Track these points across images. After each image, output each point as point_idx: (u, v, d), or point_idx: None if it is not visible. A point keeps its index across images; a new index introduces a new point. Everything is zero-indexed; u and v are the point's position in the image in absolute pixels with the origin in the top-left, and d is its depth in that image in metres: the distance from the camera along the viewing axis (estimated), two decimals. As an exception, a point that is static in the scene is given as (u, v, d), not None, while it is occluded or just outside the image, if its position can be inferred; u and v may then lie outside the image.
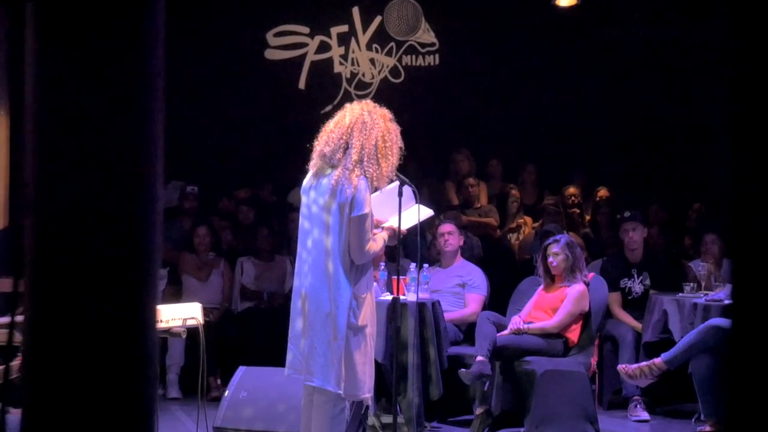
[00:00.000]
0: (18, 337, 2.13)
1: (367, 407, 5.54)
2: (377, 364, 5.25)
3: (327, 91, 10.51)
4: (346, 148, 4.65)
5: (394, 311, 5.22)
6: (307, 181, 4.80)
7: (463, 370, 6.22)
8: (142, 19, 2.09)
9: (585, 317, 6.52)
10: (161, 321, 4.84)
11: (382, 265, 6.63)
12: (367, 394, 4.73)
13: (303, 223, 4.78)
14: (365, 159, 4.62)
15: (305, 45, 10.70)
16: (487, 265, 7.63)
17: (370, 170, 4.62)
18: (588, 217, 9.16)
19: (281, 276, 8.34)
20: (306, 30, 10.70)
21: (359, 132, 4.65)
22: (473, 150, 9.82)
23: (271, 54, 10.70)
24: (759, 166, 1.87)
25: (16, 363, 2.12)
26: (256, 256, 8.38)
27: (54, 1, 2.03)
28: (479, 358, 6.21)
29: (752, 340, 1.89)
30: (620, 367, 6.48)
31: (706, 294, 6.80)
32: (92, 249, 2.04)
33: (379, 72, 10.66)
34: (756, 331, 1.88)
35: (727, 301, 6.43)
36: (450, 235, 7.28)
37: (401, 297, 5.58)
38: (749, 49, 1.89)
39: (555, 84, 10.44)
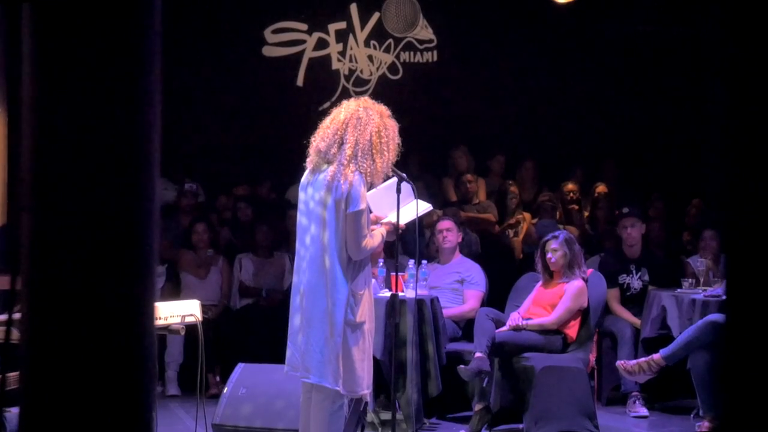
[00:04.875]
0: (16, 335, 2.12)
1: (366, 404, 5.54)
2: (376, 361, 5.25)
3: (325, 88, 10.50)
4: (341, 143, 4.65)
5: (392, 308, 5.21)
6: (304, 177, 4.81)
7: (461, 366, 6.21)
8: (139, 16, 2.09)
9: (583, 313, 6.52)
10: (160, 318, 4.83)
11: (381, 261, 6.63)
12: (365, 390, 4.73)
13: (301, 219, 4.78)
14: (359, 154, 4.62)
15: (303, 42, 10.68)
16: (486, 261, 7.63)
17: (365, 165, 4.62)
18: (586, 213, 9.16)
19: (280, 273, 8.33)
20: (304, 27, 10.69)
21: (353, 128, 4.65)
22: (471, 146, 9.82)
23: (269, 51, 10.68)
24: (754, 163, 1.87)
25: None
26: (254, 253, 8.38)
27: (50, 0, 2.03)
28: (478, 354, 6.20)
29: (748, 335, 1.89)
30: (619, 363, 6.48)
31: (705, 290, 6.80)
32: (90, 246, 2.04)
33: (377, 69, 10.65)
34: (751, 327, 1.88)
35: (725, 297, 6.42)
36: (448, 232, 7.27)
37: (400, 293, 5.57)
38: (747, 45, 1.89)
39: (553, 80, 10.44)
